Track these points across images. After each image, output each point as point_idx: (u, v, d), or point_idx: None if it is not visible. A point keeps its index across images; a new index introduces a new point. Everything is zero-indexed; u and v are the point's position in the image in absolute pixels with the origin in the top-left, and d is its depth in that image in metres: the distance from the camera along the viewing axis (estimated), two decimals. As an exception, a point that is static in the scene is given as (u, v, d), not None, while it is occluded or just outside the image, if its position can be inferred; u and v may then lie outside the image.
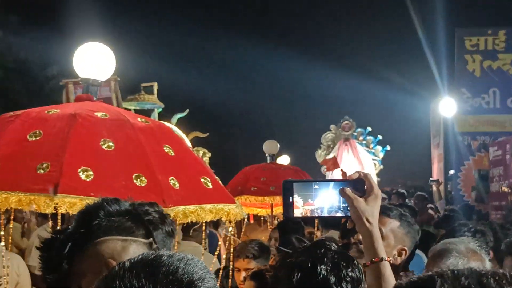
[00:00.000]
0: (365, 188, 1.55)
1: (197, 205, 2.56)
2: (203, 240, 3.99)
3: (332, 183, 1.57)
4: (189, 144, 6.71)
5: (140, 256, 0.98)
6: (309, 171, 8.40)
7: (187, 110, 8.25)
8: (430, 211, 8.95)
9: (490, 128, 13.25)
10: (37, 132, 2.55)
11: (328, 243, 1.80)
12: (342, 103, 19.57)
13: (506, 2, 14.96)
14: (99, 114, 2.69)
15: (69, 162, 2.42)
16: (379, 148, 13.79)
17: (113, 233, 1.45)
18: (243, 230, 6.67)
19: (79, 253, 1.44)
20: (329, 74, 19.23)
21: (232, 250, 3.37)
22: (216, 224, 6.35)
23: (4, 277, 3.32)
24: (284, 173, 6.68)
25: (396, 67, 20.32)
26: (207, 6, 22.14)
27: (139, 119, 2.85)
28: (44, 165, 2.39)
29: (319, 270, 1.69)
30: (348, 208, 1.54)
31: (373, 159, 13.33)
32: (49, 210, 2.30)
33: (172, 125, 6.76)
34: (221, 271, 3.43)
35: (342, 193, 1.53)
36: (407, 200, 9.81)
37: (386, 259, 1.54)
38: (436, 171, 14.70)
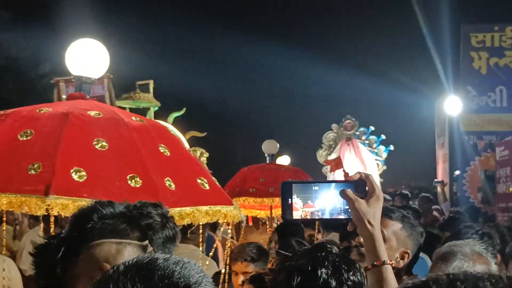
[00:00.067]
0: (367, 189, 1.55)
1: (193, 206, 2.56)
2: (200, 244, 3.99)
3: (332, 184, 1.57)
4: (186, 144, 6.71)
5: (134, 259, 0.98)
6: (310, 172, 8.41)
7: (184, 109, 8.26)
8: (434, 213, 8.96)
9: (496, 127, 13.24)
10: (28, 132, 2.55)
11: (329, 246, 1.80)
12: (344, 101, 19.58)
13: (513, -2, 14.95)
14: (92, 113, 2.69)
15: (61, 162, 2.42)
16: (382, 148, 13.80)
17: (107, 236, 1.46)
18: (242, 232, 6.67)
19: (73, 257, 1.45)
20: (330, 71, 19.23)
21: (229, 253, 3.37)
22: (213, 226, 6.35)
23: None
24: (284, 173, 6.67)
25: (399, 64, 20.34)
26: (206, 2, 22.14)
27: (133, 118, 2.85)
28: (36, 166, 2.39)
29: (319, 274, 1.69)
30: (349, 210, 1.54)
31: (376, 160, 13.33)
32: (40, 212, 2.30)
33: (168, 124, 6.77)
34: (222, 275, 3.43)
35: (343, 194, 1.54)
36: (410, 202, 9.82)
37: (388, 262, 1.54)
38: (441, 172, 14.70)
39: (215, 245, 4.71)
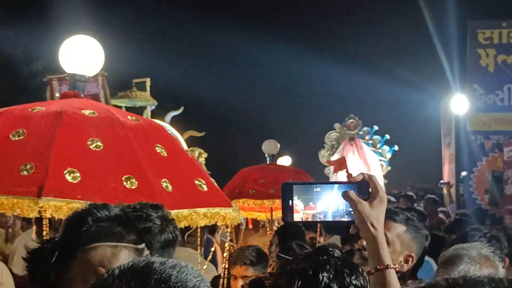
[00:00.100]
0: (370, 191, 1.56)
1: (191, 209, 2.56)
2: (198, 247, 4.00)
3: (334, 186, 1.57)
4: (184, 144, 6.72)
5: (130, 263, 0.98)
6: (312, 173, 8.41)
7: (182, 108, 8.27)
8: (440, 215, 8.96)
9: (504, 126, 13.24)
10: (21, 131, 2.55)
11: (331, 249, 1.80)
12: (347, 100, 19.58)
13: (522, -7, 14.95)
14: (86, 112, 2.69)
15: (55, 163, 2.42)
16: (386, 148, 13.82)
17: (102, 239, 1.46)
18: (241, 235, 6.67)
19: (68, 262, 1.45)
20: (332, 69, 19.21)
21: (228, 256, 3.38)
22: (212, 229, 6.35)
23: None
24: (285, 174, 6.68)
25: (404, 62, 20.32)
26: (204, -3, 22.16)
27: (129, 117, 2.85)
28: (28, 166, 2.40)
29: (321, 278, 1.69)
30: (352, 212, 1.54)
31: (380, 160, 13.35)
32: (33, 214, 2.30)
33: (165, 124, 6.78)
34: (221, 280, 3.44)
35: (345, 196, 1.54)
36: (416, 204, 9.82)
37: (392, 266, 1.54)
38: (447, 173, 14.70)
39: (213, 248, 4.72)
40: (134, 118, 2.87)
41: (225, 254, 3.41)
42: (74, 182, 2.38)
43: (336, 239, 5.08)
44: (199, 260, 3.89)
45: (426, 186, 17.12)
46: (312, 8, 24.30)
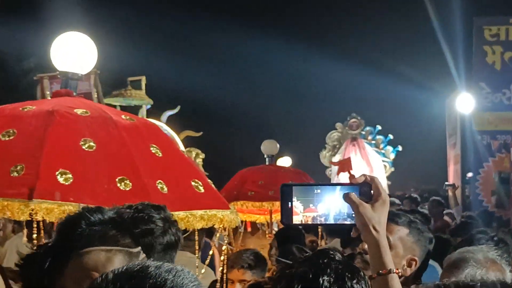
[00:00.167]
0: (372, 193, 1.56)
1: (187, 211, 2.56)
2: (196, 251, 4.00)
3: (336, 187, 1.57)
4: (181, 144, 6.71)
5: (124, 267, 0.98)
6: (313, 174, 8.41)
7: (179, 107, 8.26)
8: (445, 217, 8.97)
9: (511, 126, 13.25)
10: (11, 131, 2.55)
11: (331, 252, 1.81)
12: (349, 99, 19.59)
13: (529, -12, 14.96)
14: (79, 111, 2.69)
15: (46, 164, 2.42)
16: (389, 148, 13.82)
17: (96, 243, 1.47)
18: (240, 238, 6.67)
19: (61, 267, 1.45)
20: (334, 67, 19.20)
21: (225, 260, 3.38)
22: (210, 233, 6.35)
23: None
24: (284, 175, 6.67)
25: (408, 59, 20.31)
26: (202, -6, 22.15)
27: (123, 116, 2.85)
28: (19, 168, 2.39)
29: (321, 282, 1.69)
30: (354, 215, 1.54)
31: (383, 161, 13.36)
32: (24, 217, 2.30)
33: (161, 123, 6.77)
34: (218, 284, 3.44)
35: (347, 198, 1.54)
36: (420, 206, 9.82)
37: (394, 271, 1.54)
38: (452, 174, 14.71)
39: (211, 252, 4.72)
40: (128, 117, 2.87)
41: (222, 258, 3.41)
42: (66, 183, 2.38)
43: (337, 243, 5.08)
44: (197, 264, 3.90)
45: (431, 187, 17.13)
46: (313, 6, 24.30)
